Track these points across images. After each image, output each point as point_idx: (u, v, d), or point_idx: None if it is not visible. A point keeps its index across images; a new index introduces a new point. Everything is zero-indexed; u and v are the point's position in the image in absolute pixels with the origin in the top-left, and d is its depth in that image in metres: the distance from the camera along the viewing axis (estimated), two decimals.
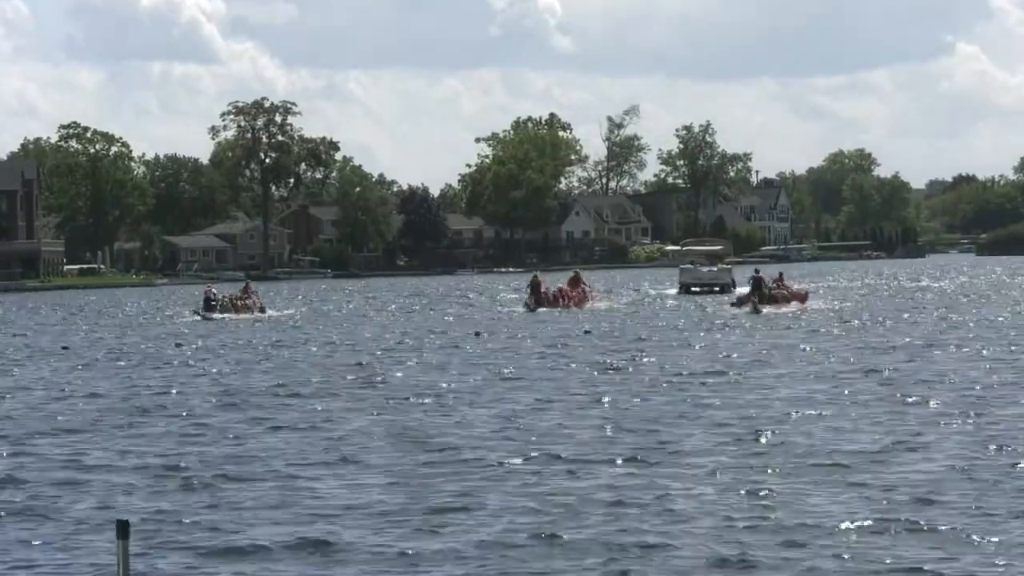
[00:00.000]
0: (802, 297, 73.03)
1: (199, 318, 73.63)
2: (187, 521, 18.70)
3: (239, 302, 76.65)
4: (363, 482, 21.31)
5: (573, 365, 40.66)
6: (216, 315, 73.30)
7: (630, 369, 39.37)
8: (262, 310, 77.99)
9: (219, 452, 24.89)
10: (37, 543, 17.82)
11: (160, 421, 29.66)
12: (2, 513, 19.67)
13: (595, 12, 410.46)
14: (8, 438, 27.49)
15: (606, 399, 31.40)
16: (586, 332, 56.97)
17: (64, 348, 55.85)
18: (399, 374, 39.26)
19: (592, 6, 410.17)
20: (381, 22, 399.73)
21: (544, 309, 73.92)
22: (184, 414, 30.63)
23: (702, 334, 54.10)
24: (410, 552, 16.80)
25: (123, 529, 11.70)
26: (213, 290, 78.58)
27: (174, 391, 35.81)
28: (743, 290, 77.11)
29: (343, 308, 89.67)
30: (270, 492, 20.68)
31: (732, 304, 72.09)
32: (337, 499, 20.01)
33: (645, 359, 42.28)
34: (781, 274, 74.73)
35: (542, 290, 76.70)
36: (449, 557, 16.55)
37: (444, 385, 35.35)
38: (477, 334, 57.01)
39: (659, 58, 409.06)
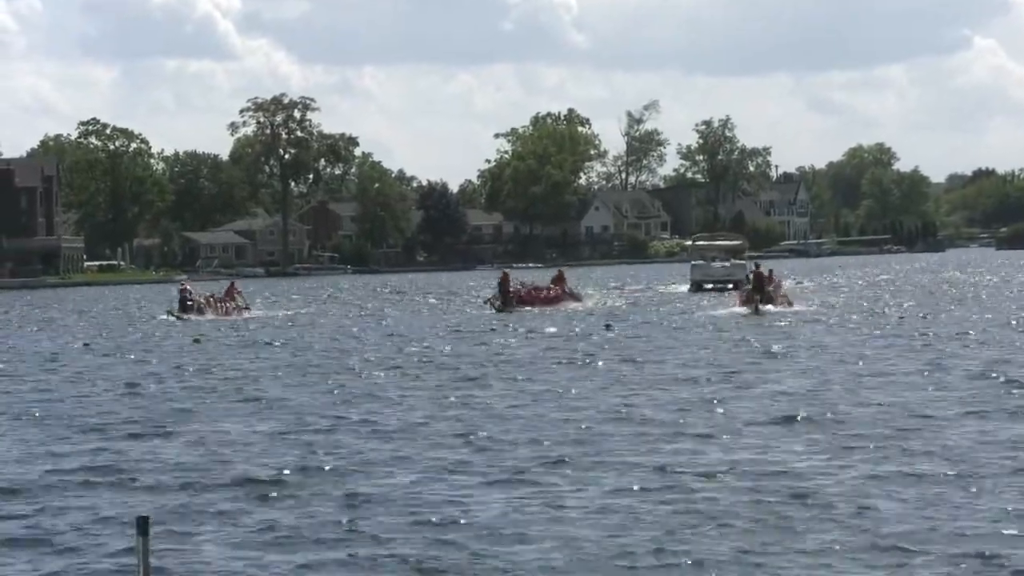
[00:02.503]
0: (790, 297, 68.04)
1: (172, 319, 69.00)
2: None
3: (218, 302, 72.52)
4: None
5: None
6: (191, 316, 68.57)
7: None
8: (246, 309, 73.61)
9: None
10: (55, 541, 17.78)
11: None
12: (20, 510, 19.69)
13: (609, 7, 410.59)
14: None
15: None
16: (607, 326, 56.80)
17: (85, 345, 55.90)
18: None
19: (606, 1, 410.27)
20: (394, 17, 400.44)
21: (524, 309, 68.99)
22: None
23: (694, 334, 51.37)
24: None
25: (143, 525, 11.60)
26: (189, 288, 73.61)
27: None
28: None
29: (339, 308, 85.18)
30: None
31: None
32: None
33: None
34: (771, 271, 68.28)
35: (511, 288, 71.63)
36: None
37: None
38: (493, 330, 56.56)
39: (673, 53, 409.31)
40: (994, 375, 33.15)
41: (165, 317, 70.69)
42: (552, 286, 75.70)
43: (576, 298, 75.88)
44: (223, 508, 19.28)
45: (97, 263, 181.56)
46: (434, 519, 18.11)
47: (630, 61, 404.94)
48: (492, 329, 57.10)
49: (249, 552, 16.83)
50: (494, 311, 69.25)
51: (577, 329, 55.73)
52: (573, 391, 32.16)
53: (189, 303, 70.10)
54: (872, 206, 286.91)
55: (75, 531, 18.22)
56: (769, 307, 61.78)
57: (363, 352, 46.18)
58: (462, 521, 17.97)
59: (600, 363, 39.39)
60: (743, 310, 62.18)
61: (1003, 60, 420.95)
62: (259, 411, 30.22)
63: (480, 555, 16.28)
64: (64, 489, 21.13)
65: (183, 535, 17.63)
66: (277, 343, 52.51)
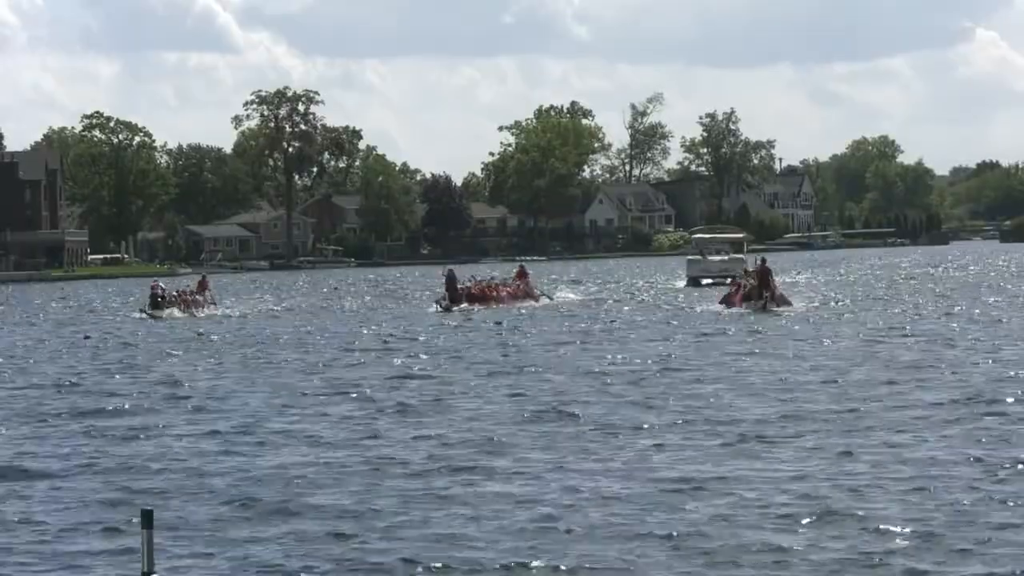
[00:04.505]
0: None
1: (144, 316, 67.28)
2: None
3: (189, 298, 70.49)
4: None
5: None
6: (162, 312, 66.82)
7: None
8: (213, 305, 71.73)
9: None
10: (59, 533, 17.90)
11: None
12: (23, 500, 19.82)
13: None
14: None
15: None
16: (611, 322, 56.96)
17: (87, 338, 56.03)
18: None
19: None
20: (396, 10, 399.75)
21: (466, 307, 65.02)
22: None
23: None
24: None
25: (147, 518, 11.73)
26: (161, 285, 71.57)
27: None
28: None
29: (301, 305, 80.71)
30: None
31: (721, 302, 61.31)
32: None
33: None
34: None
35: (459, 286, 67.57)
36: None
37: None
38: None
39: (676, 45, 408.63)
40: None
41: (138, 315, 68.90)
42: (509, 283, 72.29)
43: (536, 296, 71.76)
44: (224, 504, 19.43)
45: (101, 256, 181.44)
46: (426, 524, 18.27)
47: (633, 53, 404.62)
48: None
49: (251, 550, 16.96)
50: (441, 310, 65.09)
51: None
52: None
53: (160, 300, 68.48)
54: (876, 199, 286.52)
55: (78, 524, 18.34)
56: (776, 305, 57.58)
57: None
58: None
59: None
60: (743, 308, 57.72)
61: (1005, 51, 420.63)
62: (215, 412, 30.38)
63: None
64: (67, 482, 21.27)
65: (184, 530, 17.78)
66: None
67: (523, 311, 64.06)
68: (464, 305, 65.68)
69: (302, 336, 53.10)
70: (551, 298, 72.77)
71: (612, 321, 56.29)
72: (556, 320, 57.64)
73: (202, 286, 74.18)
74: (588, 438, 24.07)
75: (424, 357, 41.15)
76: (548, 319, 58.08)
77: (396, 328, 56.17)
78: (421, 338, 49.78)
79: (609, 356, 39.49)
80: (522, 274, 74.06)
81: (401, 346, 46.24)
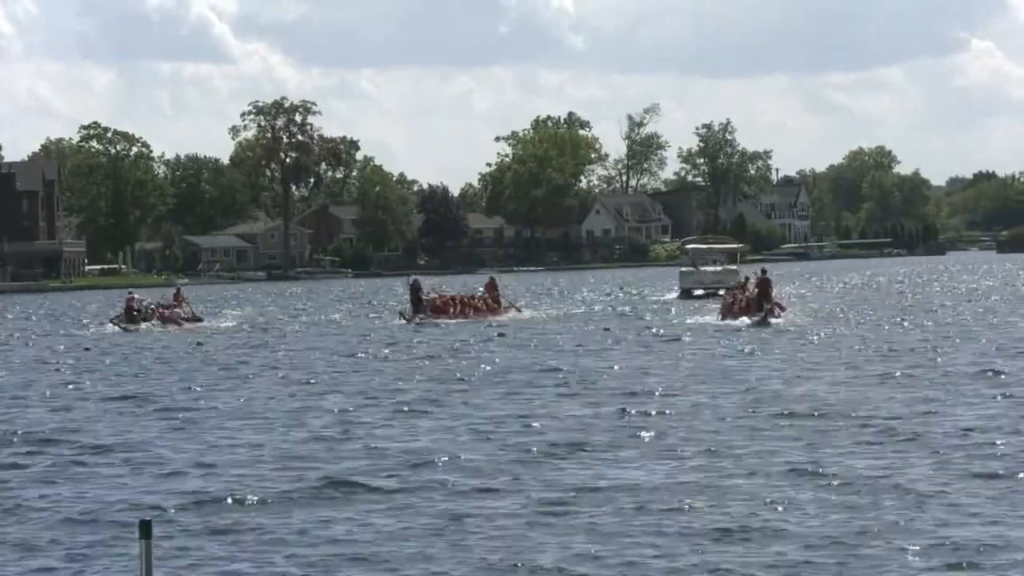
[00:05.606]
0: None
1: (117, 329, 65.52)
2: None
3: (166, 311, 68.43)
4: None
5: None
6: (137, 325, 65.16)
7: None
8: (195, 320, 69.68)
9: None
10: (57, 543, 17.98)
11: None
12: (21, 512, 19.90)
13: (607, 9, 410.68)
14: None
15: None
16: (606, 329, 56.86)
17: (86, 349, 56.10)
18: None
19: (603, 3, 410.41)
20: (392, 20, 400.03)
21: (438, 320, 63.49)
22: None
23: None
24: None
25: (145, 529, 11.80)
26: (136, 296, 69.83)
27: None
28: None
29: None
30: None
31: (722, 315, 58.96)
32: None
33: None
34: (747, 279, 62.35)
35: (423, 297, 66.12)
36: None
37: None
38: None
39: (672, 55, 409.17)
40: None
41: (110, 327, 67.11)
42: (475, 296, 70.34)
43: (505, 309, 69.32)
44: (223, 514, 19.51)
45: (99, 267, 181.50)
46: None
47: (629, 63, 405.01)
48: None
49: (249, 559, 17.05)
50: (405, 322, 63.80)
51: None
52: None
53: (135, 312, 66.72)
54: (873, 209, 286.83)
55: (77, 534, 18.42)
56: (779, 319, 56.11)
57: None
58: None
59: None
60: (742, 320, 55.78)
61: (1001, 62, 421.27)
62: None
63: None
64: (65, 492, 21.35)
65: (184, 541, 17.87)
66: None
67: (492, 324, 62.15)
68: (428, 316, 64.01)
69: (280, 348, 52.72)
70: (520, 311, 70.71)
71: (606, 329, 56.38)
72: (522, 334, 55.80)
73: (177, 298, 72.27)
74: (556, 455, 23.74)
75: (392, 371, 40.78)
76: (514, 332, 56.49)
77: (361, 340, 55.71)
78: (384, 351, 49.00)
79: (580, 371, 38.82)
80: (492, 286, 71.66)
81: (370, 358, 46.16)
